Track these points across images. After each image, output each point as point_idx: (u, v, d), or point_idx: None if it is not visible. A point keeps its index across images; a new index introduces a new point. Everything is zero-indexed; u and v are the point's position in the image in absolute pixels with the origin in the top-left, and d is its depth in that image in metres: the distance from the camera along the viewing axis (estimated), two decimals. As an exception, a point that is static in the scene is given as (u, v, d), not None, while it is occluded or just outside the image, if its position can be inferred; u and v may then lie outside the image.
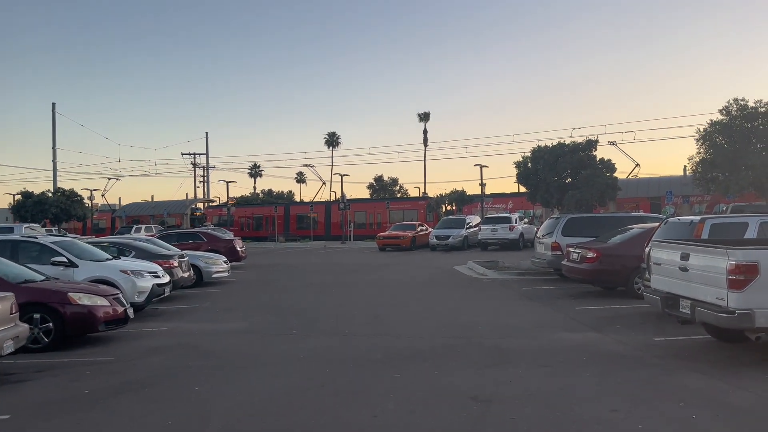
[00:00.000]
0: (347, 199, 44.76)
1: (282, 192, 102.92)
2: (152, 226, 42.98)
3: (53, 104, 49.24)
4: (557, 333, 9.45)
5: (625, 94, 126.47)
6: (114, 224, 57.66)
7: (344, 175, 48.42)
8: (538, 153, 25.06)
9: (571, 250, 13.85)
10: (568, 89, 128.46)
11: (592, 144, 24.89)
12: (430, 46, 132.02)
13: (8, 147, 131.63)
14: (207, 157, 67.16)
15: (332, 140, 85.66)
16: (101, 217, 61.55)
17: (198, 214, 58.84)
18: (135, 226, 41.46)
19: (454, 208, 48.78)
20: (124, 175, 59.32)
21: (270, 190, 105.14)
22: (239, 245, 23.54)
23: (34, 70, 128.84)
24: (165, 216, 53.46)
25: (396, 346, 8.66)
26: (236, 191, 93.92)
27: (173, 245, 21.54)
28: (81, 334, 9.02)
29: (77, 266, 11.29)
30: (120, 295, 9.65)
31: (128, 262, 11.96)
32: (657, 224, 11.91)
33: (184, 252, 15.64)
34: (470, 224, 33.46)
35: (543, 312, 11.51)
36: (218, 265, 17.58)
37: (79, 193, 41.23)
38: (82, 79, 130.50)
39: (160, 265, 13.87)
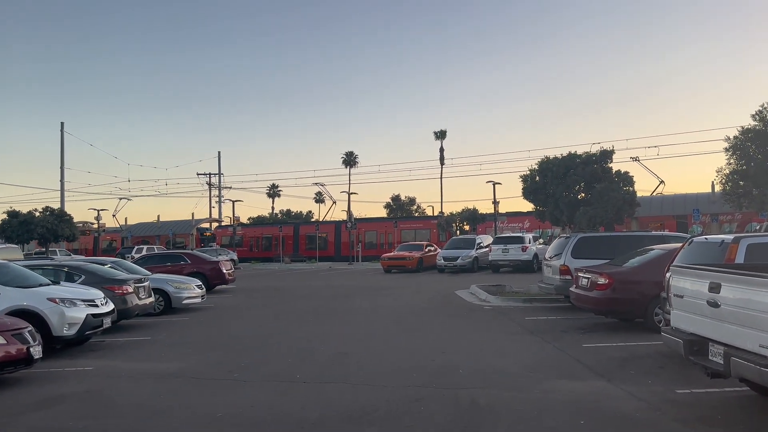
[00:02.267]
0: (355, 219, 43.09)
1: (300, 212, 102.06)
2: (154, 246, 41.80)
3: (62, 123, 48.87)
4: (554, 381, 7.56)
5: (647, 108, 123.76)
6: (123, 244, 56.81)
7: (352, 193, 46.90)
8: (546, 165, 22.83)
9: (580, 275, 11.94)
10: (587, 104, 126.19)
11: (607, 155, 22.58)
12: (447, 64, 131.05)
13: (17, 167, 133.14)
14: (219, 177, 66.41)
15: (349, 160, 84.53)
16: (114, 237, 60.86)
17: (208, 234, 57.78)
18: (136, 247, 40.32)
19: (467, 227, 46.77)
20: (134, 195, 58.57)
21: (288, 210, 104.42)
22: (226, 267, 21.95)
23: (43, 89, 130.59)
24: (171, 236, 52.38)
25: (344, 401, 6.85)
26: (255, 211, 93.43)
27: (154, 268, 20.16)
28: (-40, 380, 7.38)
29: (-3, 294, 9.73)
30: (26, 331, 8.00)
31: (59, 289, 10.37)
32: (680, 245, 9.98)
33: (143, 276, 14.04)
34: (481, 244, 31.53)
35: (542, 350, 9.60)
36: (190, 290, 15.95)
37: (69, 213, 40.17)
38: (90, 99, 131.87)
39: (112, 290, 12.35)
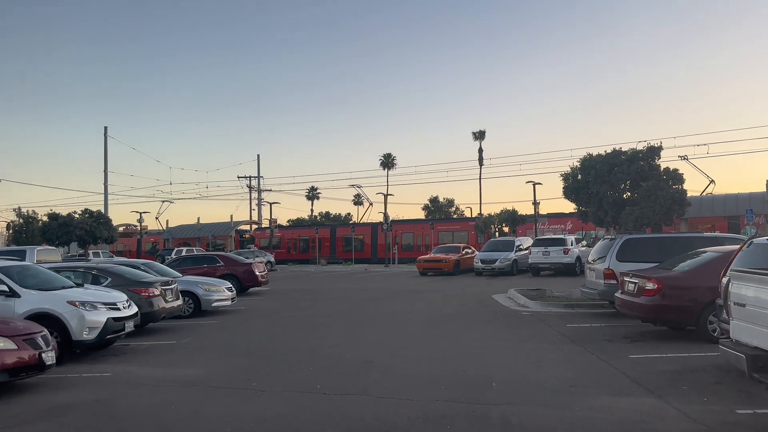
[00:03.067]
0: (391, 221, 42.56)
1: (339, 214, 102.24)
2: (194, 248, 42.19)
3: (105, 128, 49.91)
4: (597, 397, 6.85)
5: (696, 106, 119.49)
6: (165, 246, 57.70)
7: (388, 194, 46.29)
8: (589, 162, 21.64)
9: (626, 279, 11.10)
10: (632, 102, 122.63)
11: (654, 151, 21.26)
12: (486, 63, 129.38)
13: (63, 171, 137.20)
14: (258, 180, 66.85)
15: (387, 162, 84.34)
16: (156, 239, 61.93)
17: (247, 236, 58.22)
18: (176, 249, 40.76)
19: (506, 229, 45.66)
20: (176, 198, 59.34)
21: (327, 213, 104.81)
22: (259, 269, 21.72)
23: (87, 94, 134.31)
24: (210, 238, 52.89)
25: (362, 416, 6.31)
26: (294, 214, 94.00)
27: (188, 270, 20.10)
28: (-32, 387, 7.14)
29: (19, 296, 9.55)
30: (38, 336, 7.74)
31: (80, 292, 10.14)
32: (738, 246, 9.08)
33: (171, 278, 13.80)
34: (521, 246, 30.58)
35: (585, 361, 8.85)
36: (220, 292, 15.69)
37: (112, 215, 40.87)
38: (133, 103, 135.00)
39: (138, 293, 12.13)
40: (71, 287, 10.53)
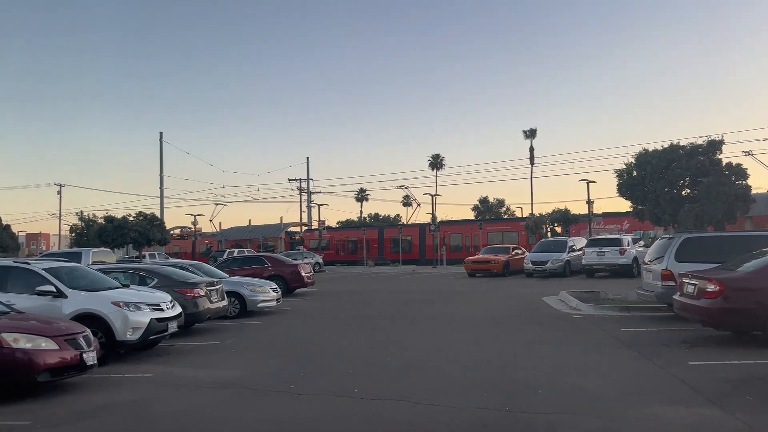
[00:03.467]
0: (439, 221, 42.09)
1: (388, 215, 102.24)
2: (245, 249, 42.88)
3: (161, 133, 51.34)
4: (653, 407, 6.36)
5: (762, 98, 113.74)
6: (219, 248, 58.97)
7: (436, 195, 45.78)
8: (645, 158, 20.54)
9: (685, 281, 10.43)
10: (692, 94, 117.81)
11: (715, 145, 20.00)
12: (535, 60, 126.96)
13: (121, 176, 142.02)
14: (308, 182, 67.44)
15: (436, 162, 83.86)
16: (211, 241, 63.39)
17: (297, 237, 58.86)
18: (227, 250, 41.53)
19: (559, 229, 44.46)
20: (229, 201, 60.55)
21: (376, 214, 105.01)
22: (305, 270, 21.76)
23: (142, 99, 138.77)
24: (261, 240, 53.68)
25: (399, 424, 6.04)
26: (344, 215, 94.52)
27: (236, 271, 20.31)
28: (11, 386, 7.23)
29: (66, 297, 9.72)
30: (80, 336, 7.81)
31: (124, 293, 10.25)
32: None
33: (216, 279, 13.88)
34: (573, 247, 29.60)
35: (639, 368, 8.31)
36: (265, 293, 15.72)
37: (167, 217, 41.89)
38: (187, 108, 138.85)
39: (183, 294, 12.23)
40: (117, 288, 10.66)
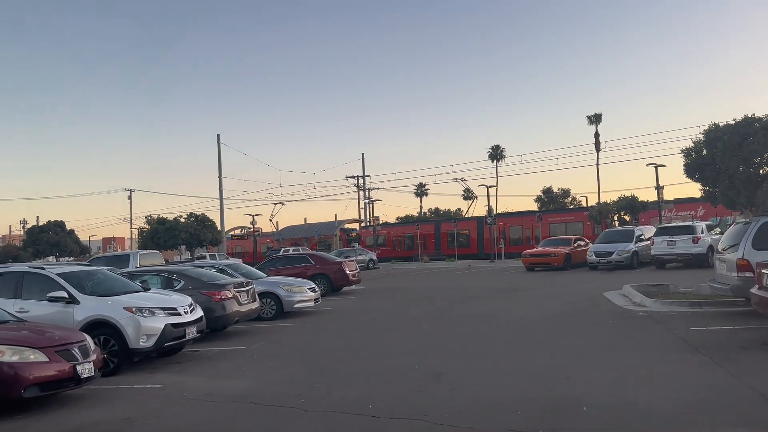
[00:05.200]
0: (496, 214, 40.48)
1: (449, 210, 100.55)
2: (299, 248, 42.77)
3: (218, 136, 51.88)
4: (723, 429, 5.12)
5: None
6: (278, 247, 59.41)
7: (490, 186, 44.09)
8: (715, 134, 18.22)
9: (765, 272, 8.90)
10: (764, 67, 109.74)
11: None
12: (596, 41, 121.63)
13: (184, 178, 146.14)
14: (363, 179, 66.91)
15: (495, 153, 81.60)
16: (272, 240, 64.07)
17: (353, 234, 58.53)
18: (282, 249, 41.53)
19: (627, 218, 41.90)
20: (286, 200, 60.76)
21: (436, 209, 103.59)
22: (350, 268, 21.00)
23: (201, 102, 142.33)
24: (316, 237, 53.60)
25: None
26: (403, 211, 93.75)
27: (281, 270, 19.83)
28: (-3, 402, 6.72)
29: (78, 302, 9.28)
30: (75, 346, 7.26)
31: (139, 297, 9.72)
32: None
33: (247, 280, 13.27)
34: (642, 237, 27.50)
35: (710, 377, 6.99)
36: (302, 293, 15.04)
37: (211, 218, 42.10)
38: (243, 109, 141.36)
39: (210, 296, 11.68)
40: (135, 292, 10.17)
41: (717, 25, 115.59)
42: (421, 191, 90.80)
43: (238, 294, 12.23)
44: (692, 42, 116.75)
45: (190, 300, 10.32)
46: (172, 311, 9.63)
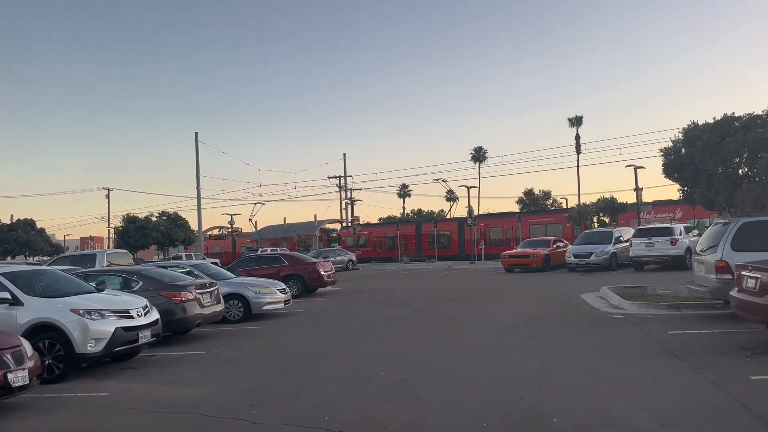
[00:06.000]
0: (476, 215, 40.21)
1: (432, 211, 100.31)
2: (277, 248, 42.09)
3: (196, 134, 50.70)
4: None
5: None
6: (257, 247, 58.54)
7: (472, 187, 43.84)
8: (694, 133, 17.95)
9: (744, 274, 8.59)
10: (748, 67, 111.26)
11: None
12: (575, 42, 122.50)
13: (163, 177, 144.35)
14: (345, 179, 66.32)
15: (478, 155, 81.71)
16: (251, 241, 63.18)
17: (334, 235, 57.93)
18: (261, 249, 40.84)
19: (607, 219, 41.90)
20: (266, 200, 59.76)
21: (419, 210, 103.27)
22: (325, 269, 20.48)
23: (180, 101, 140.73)
24: (295, 238, 52.92)
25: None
26: (386, 212, 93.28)
27: (253, 270, 19.28)
28: None
29: (22, 304, 8.67)
30: (8, 353, 6.67)
31: (89, 299, 9.12)
32: None
33: (211, 281, 12.69)
34: (620, 238, 27.34)
35: (688, 384, 6.62)
36: (272, 294, 14.50)
37: (184, 217, 41.25)
38: (223, 108, 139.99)
39: (169, 298, 11.10)
40: (87, 293, 9.56)
41: (697, 27, 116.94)
42: (404, 192, 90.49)
43: (200, 295, 11.66)
44: (672, 43, 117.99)
45: (145, 302, 9.75)
46: (124, 314, 9.05)
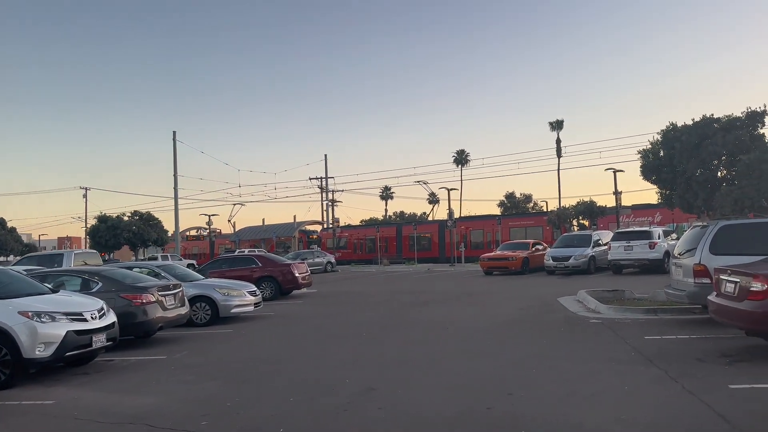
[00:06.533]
0: (457, 218, 40.00)
1: (414, 213, 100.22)
2: (255, 249, 41.53)
3: (174, 132, 49.74)
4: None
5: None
6: (236, 248, 57.74)
7: (452, 189, 43.63)
8: (673, 134, 17.77)
9: (723, 278, 8.36)
10: (729, 72, 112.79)
11: (756, 117, 16.97)
12: (559, 48, 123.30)
13: (131, 175, 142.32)
14: (326, 180, 65.81)
15: (460, 158, 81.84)
16: (230, 242, 62.35)
17: (314, 236, 57.39)
18: (238, 250, 40.24)
19: (586, 222, 41.96)
20: (245, 201, 58.86)
21: (402, 212, 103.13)
22: (300, 270, 20.01)
23: (155, 99, 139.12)
24: (274, 239, 52.29)
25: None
26: (368, 214, 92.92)
27: (224, 272, 18.79)
28: None
29: (-37, 308, 8.11)
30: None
31: (38, 300, 8.60)
32: None
33: (175, 283, 12.19)
34: (599, 241, 27.28)
35: (664, 394, 6.31)
36: (241, 297, 14.02)
37: (158, 217, 40.37)
38: (200, 107, 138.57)
39: (129, 300, 10.60)
40: (40, 294, 9.04)
41: (677, 31, 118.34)
42: (386, 194, 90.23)
43: (163, 297, 11.16)
44: (653, 47, 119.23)
45: (101, 304, 9.24)
46: (77, 316, 8.55)
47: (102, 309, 9.14)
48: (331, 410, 6.25)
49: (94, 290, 10.78)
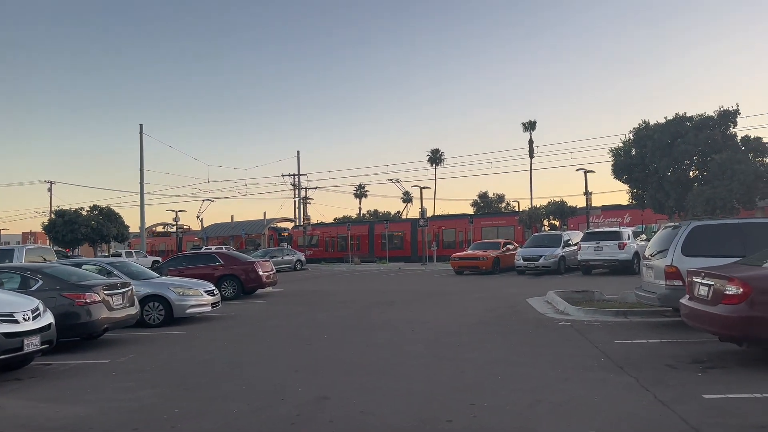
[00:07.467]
0: (428, 217, 39.64)
1: (388, 212, 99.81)
2: (222, 247, 40.57)
3: (140, 126, 48.58)
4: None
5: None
6: (204, 245, 56.57)
7: (424, 188, 43.29)
8: (645, 133, 17.59)
9: (696, 281, 8.03)
10: (703, 71, 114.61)
11: (729, 116, 16.79)
12: (531, 48, 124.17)
13: (97, 170, 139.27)
14: (298, 177, 64.88)
15: (435, 157, 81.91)
16: (198, 239, 61.05)
17: (285, 234, 56.52)
18: (205, 247, 39.26)
19: (557, 222, 42.00)
20: (214, 197, 57.42)
21: (376, 211, 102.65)
22: (264, 269, 19.34)
23: (122, 91, 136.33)
24: (244, 236, 51.31)
25: None
26: (343, 212, 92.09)
27: (184, 270, 18.05)
28: None
29: None
30: None
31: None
32: None
33: (123, 282, 11.46)
34: (569, 241, 27.14)
35: (634, 405, 5.90)
36: (197, 296, 13.33)
37: (118, 212, 39.04)
38: (168, 100, 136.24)
39: (72, 299, 9.88)
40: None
41: (650, 31, 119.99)
42: (360, 192, 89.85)
43: (109, 297, 10.46)
44: (627, 47, 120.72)
45: (36, 303, 8.53)
46: (7, 317, 7.85)
47: (37, 309, 8.44)
48: (279, 422, 5.71)
49: (33, 288, 10.02)
